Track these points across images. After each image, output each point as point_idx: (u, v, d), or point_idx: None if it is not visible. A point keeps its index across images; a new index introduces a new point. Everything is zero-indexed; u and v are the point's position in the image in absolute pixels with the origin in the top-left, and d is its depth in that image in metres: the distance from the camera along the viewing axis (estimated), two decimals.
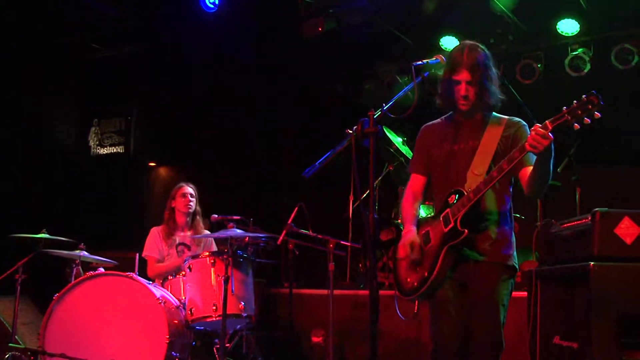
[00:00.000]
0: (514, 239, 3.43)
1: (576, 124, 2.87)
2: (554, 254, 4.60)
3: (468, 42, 3.47)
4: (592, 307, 3.81)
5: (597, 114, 2.83)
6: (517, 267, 3.38)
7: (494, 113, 3.51)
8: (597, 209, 4.04)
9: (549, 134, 2.91)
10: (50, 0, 7.55)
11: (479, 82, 3.36)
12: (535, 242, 5.25)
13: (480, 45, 3.45)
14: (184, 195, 5.84)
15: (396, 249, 3.54)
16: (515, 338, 4.89)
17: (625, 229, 3.97)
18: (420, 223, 3.54)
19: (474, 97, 3.38)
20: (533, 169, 3.15)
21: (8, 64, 7.77)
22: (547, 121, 2.94)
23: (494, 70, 3.45)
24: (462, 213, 3.22)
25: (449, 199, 3.33)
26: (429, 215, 3.60)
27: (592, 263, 3.88)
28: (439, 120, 3.63)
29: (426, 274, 3.33)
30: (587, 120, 2.85)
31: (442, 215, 3.33)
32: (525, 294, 4.84)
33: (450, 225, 3.26)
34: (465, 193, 3.25)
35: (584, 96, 2.85)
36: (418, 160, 3.65)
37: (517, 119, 3.49)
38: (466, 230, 3.20)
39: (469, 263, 3.30)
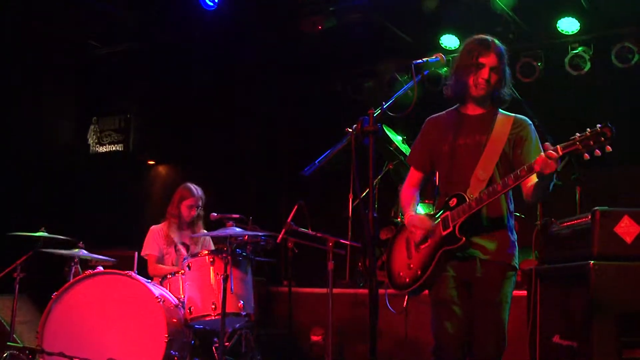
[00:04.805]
0: (515, 237, 3.42)
1: (586, 154, 2.85)
2: (553, 253, 4.59)
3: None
4: (592, 306, 3.82)
5: (609, 147, 2.80)
6: (517, 266, 3.38)
7: (500, 110, 3.50)
8: (597, 207, 4.04)
9: (559, 159, 2.90)
10: None
11: (502, 71, 3.39)
12: (535, 241, 5.25)
13: None
14: (191, 207, 5.82)
15: (394, 242, 3.56)
16: (515, 337, 4.84)
17: (626, 228, 3.96)
18: None
19: (492, 85, 3.38)
20: (536, 184, 3.17)
21: (5, 62, 7.75)
22: (558, 146, 2.92)
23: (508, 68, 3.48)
24: (461, 220, 3.23)
25: (449, 202, 3.33)
26: (428, 213, 3.58)
27: (592, 262, 3.87)
28: (443, 112, 3.58)
29: (419, 273, 3.36)
30: (598, 152, 2.83)
31: (441, 217, 3.33)
32: (524, 293, 4.84)
33: (449, 230, 3.26)
34: (467, 200, 3.25)
35: (598, 126, 2.83)
36: (419, 153, 3.62)
37: (523, 117, 3.49)
38: (464, 238, 3.22)
39: (473, 262, 3.30)
